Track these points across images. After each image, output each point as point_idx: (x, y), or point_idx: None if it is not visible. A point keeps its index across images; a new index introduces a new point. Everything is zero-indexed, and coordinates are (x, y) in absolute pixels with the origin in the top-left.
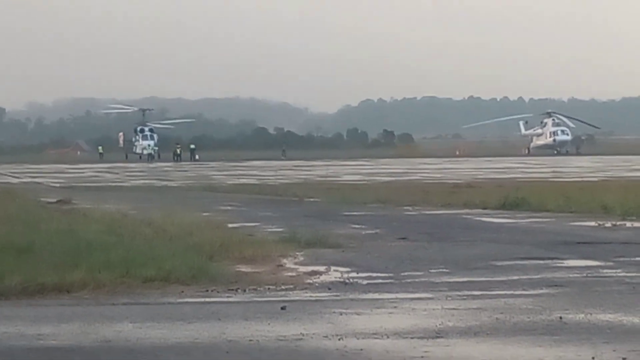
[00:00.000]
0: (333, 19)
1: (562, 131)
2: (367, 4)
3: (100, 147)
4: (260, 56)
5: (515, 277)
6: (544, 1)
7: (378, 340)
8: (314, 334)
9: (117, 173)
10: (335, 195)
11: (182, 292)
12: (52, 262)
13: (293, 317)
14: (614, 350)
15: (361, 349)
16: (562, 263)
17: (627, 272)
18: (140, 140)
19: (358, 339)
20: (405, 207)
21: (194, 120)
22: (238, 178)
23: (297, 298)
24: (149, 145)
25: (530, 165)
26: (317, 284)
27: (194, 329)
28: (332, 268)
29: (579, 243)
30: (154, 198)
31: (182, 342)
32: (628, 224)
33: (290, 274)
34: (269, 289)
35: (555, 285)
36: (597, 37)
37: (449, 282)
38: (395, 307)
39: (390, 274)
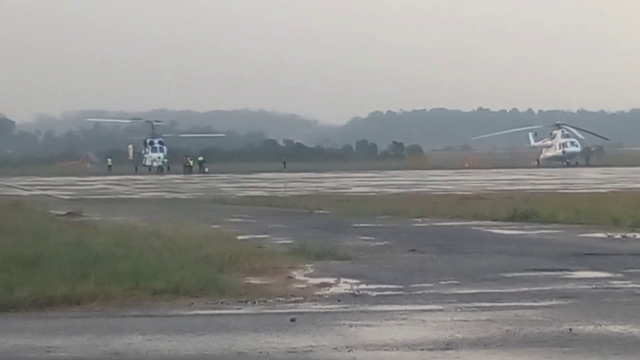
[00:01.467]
0: (342, 31)
1: (572, 143)
2: (376, 17)
3: (109, 160)
4: (269, 68)
5: (524, 289)
6: (553, 13)
7: (388, 352)
8: (323, 345)
9: (127, 185)
10: (344, 207)
11: (192, 304)
12: (62, 274)
13: (303, 329)
14: None
15: None
16: (571, 275)
17: (636, 284)
18: (150, 152)
19: (368, 350)
20: (414, 219)
21: (223, 135)
22: (247, 190)
23: (306, 310)
24: (158, 158)
25: (540, 177)
26: (326, 296)
27: (203, 341)
28: (342, 280)
29: (588, 255)
30: (164, 210)
31: (191, 355)
32: (638, 236)
33: (299, 285)
34: (278, 300)
35: (565, 297)
36: (606, 49)
37: (459, 294)
38: (404, 318)
39: (400, 286)
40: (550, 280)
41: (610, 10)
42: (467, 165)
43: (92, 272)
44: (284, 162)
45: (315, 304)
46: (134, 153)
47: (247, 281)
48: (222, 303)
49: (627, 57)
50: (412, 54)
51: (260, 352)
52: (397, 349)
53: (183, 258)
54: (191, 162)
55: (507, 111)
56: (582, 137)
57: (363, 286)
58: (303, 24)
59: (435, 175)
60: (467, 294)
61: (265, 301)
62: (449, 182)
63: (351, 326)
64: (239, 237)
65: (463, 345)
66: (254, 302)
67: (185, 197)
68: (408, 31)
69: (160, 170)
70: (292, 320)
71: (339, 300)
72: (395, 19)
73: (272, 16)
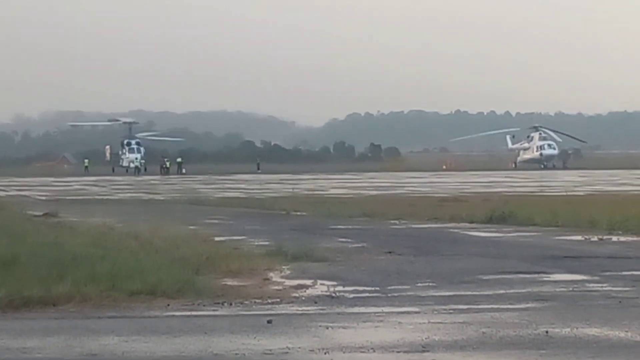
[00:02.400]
0: (320, 32)
1: (549, 145)
2: (354, 17)
3: (86, 161)
4: (247, 69)
5: (501, 291)
6: (531, 16)
7: (364, 354)
8: (300, 347)
9: (104, 186)
10: (321, 209)
11: (168, 305)
12: (38, 275)
13: (279, 331)
14: None
15: None
16: (548, 277)
17: (613, 287)
18: (127, 153)
19: (344, 352)
20: (391, 221)
21: (183, 139)
22: (225, 191)
23: (283, 312)
24: (135, 159)
25: (517, 179)
26: (303, 298)
27: (180, 343)
28: (319, 282)
29: (565, 257)
30: (141, 211)
31: (168, 356)
32: (614, 238)
33: (276, 287)
34: (255, 302)
35: (542, 300)
36: (584, 52)
37: (436, 296)
38: (381, 321)
39: (377, 288)
40: (527, 282)
41: (589, 13)
42: (444, 167)
43: (68, 273)
44: (258, 164)
45: (292, 306)
46: (111, 154)
47: (223, 283)
48: (198, 304)
49: (606, 60)
50: (390, 56)
51: (237, 354)
52: (374, 351)
53: (160, 259)
54: (168, 164)
55: (485, 113)
56: (560, 140)
57: (340, 288)
58: (281, 25)
59: (412, 177)
60: (443, 296)
61: (241, 303)
62: (426, 184)
63: (327, 328)
64: (216, 239)
65: (440, 348)
66: (231, 304)
67: (162, 198)
68: (386, 33)
69: (137, 171)
70: (269, 322)
71: (315, 302)
72: (373, 21)
73: (251, 17)
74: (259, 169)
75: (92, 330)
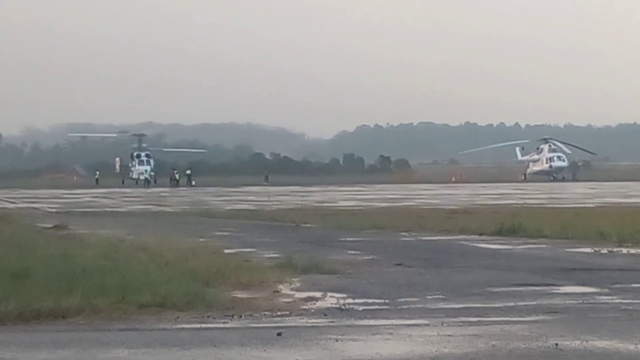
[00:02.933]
0: (330, 45)
1: (559, 157)
2: (362, 30)
3: (97, 173)
4: (256, 82)
5: (511, 304)
6: (541, 27)
7: None
8: None
9: (114, 198)
10: (331, 221)
11: (178, 318)
12: (48, 288)
13: (289, 343)
14: None
15: None
16: (558, 289)
17: (623, 299)
18: (137, 165)
19: None
20: (401, 233)
21: (205, 150)
22: (234, 203)
23: (293, 324)
24: (145, 171)
25: (527, 192)
26: (313, 310)
27: (190, 355)
28: (328, 294)
29: (575, 269)
30: (150, 223)
31: None
32: (624, 251)
33: (286, 300)
34: (265, 315)
35: (552, 312)
36: (594, 64)
37: (445, 309)
38: (391, 333)
39: (387, 300)
40: (536, 295)
41: (598, 25)
42: (454, 179)
43: (78, 286)
44: (266, 176)
45: (302, 318)
46: (120, 166)
47: (233, 295)
48: (208, 317)
49: (615, 72)
50: (400, 68)
51: None
52: None
53: (169, 271)
54: (177, 176)
55: (494, 125)
56: (569, 152)
57: (349, 300)
58: (291, 37)
59: (422, 190)
60: (453, 308)
61: (251, 315)
62: (436, 196)
63: (337, 340)
64: (226, 251)
65: None
66: (240, 316)
67: (172, 210)
68: (395, 45)
69: (147, 183)
70: (279, 334)
71: (325, 315)
72: (383, 33)
73: (260, 30)
74: (267, 180)
75: (102, 342)
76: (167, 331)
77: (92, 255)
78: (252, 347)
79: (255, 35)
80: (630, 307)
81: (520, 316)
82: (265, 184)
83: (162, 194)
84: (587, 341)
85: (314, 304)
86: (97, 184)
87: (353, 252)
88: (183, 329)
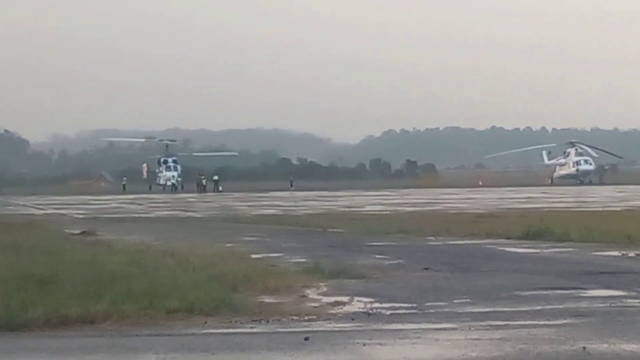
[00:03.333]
0: (355, 50)
1: (585, 161)
2: (389, 34)
3: (124, 179)
4: (283, 87)
5: (538, 307)
6: (566, 31)
7: None
8: None
9: (141, 204)
10: (358, 226)
11: (206, 323)
12: (76, 294)
13: (316, 348)
14: None
15: None
16: (585, 293)
17: None
18: (164, 171)
19: None
20: (428, 237)
21: (237, 154)
22: (261, 209)
23: (320, 329)
24: (172, 177)
25: (554, 195)
26: (340, 315)
27: None
28: (356, 298)
29: (602, 273)
30: (178, 229)
31: None
32: None
33: (313, 304)
34: (292, 319)
35: (579, 315)
36: (620, 67)
37: (472, 313)
38: (418, 337)
39: (414, 305)
40: (564, 298)
41: (624, 28)
42: (480, 183)
43: (106, 291)
44: (291, 181)
45: (329, 323)
46: (148, 172)
47: (260, 300)
48: (235, 322)
49: None
50: (426, 73)
51: None
52: None
53: (197, 277)
54: (204, 181)
55: (521, 129)
56: (596, 155)
57: (377, 305)
58: (316, 43)
59: (448, 194)
60: (480, 312)
61: (278, 320)
62: (462, 201)
63: (365, 345)
64: (253, 256)
65: None
66: (268, 321)
67: (199, 216)
68: (421, 50)
69: (174, 188)
70: (306, 339)
71: (352, 319)
72: (408, 37)
73: (286, 36)
74: (292, 186)
75: (129, 348)
76: (195, 336)
77: (119, 261)
78: (279, 351)
79: (283, 42)
80: None
81: (547, 320)
82: (292, 189)
83: (189, 199)
84: (614, 344)
85: (342, 308)
86: (124, 190)
87: (380, 256)
88: (211, 334)
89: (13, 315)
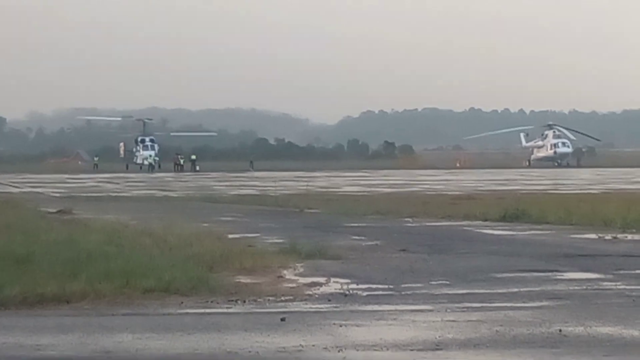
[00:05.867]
0: (334, 29)
1: (563, 143)
2: (368, 15)
3: (96, 158)
4: (260, 67)
5: (515, 290)
6: (545, 12)
7: (378, 352)
8: (313, 345)
9: (118, 183)
10: (335, 207)
11: (182, 303)
12: (52, 273)
13: (293, 329)
14: None
15: None
16: (562, 275)
17: (627, 285)
18: (141, 150)
19: (358, 350)
20: (405, 219)
21: (215, 134)
22: (239, 189)
23: (296, 309)
24: (150, 156)
25: (531, 178)
26: (317, 296)
27: (193, 340)
28: (332, 279)
29: (579, 255)
30: (155, 208)
31: (181, 354)
32: (628, 237)
33: (290, 285)
34: (268, 300)
35: (555, 298)
36: (598, 49)
37: (449, 294)
38: (395, 319)
39: (390, 286)
40: (540, 281)
41: (604, 9)
42: (458, 165)
43: (82, 271)
44: (251, 162)
45: (306, 304)
46: (125, 151)
47: (237, 280)
48: (212, 302)
49: (620, 58)
50: (404, 53)
51: (250, 352)
52: (387, 349)
53: (173, 257)
54: (182, 161)
55: (499, 111)
56: (574, 138)
57: (353, 286)
58: (295, 22)
59: (426, 175)
60: (457, 294)
61: (255, 300)
62: (440, 182)
63: (341, 326)
64: (230, 236)
65: (453, 346)
66: (244, 301)
67: (176, 195)
68: (400, 30)
69: (151, 168)
70: (282, 319)
71: (329, 300)
72: (387, 17)
73: (264, 14)
74: (252, 166)
75: (106, 327)
76: (171, 316)
77: (96, 240)
78: (255, 332)
79: (260, 21)
80: (634, 293)
81: (523, 302)
82: (251, 170)
83: (166, 179)
84: (590, 327)
85: (318, 289)
86: (95, 169)
87: (357, 237)
88: (187, 314)
89: None
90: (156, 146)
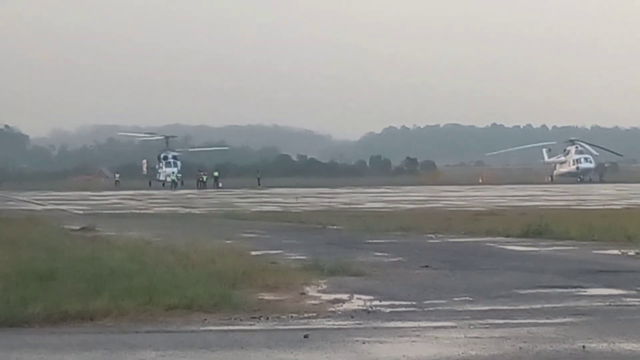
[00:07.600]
0: (356, 46)
1: (585, 159)
2: (389, 32)
3: (117, 175)
4: (283, 83)
5: (538, 306)
6: (567, 28)
7: None
8: None
9: (141, 200)
10: (358, 223)
11: (205, 320)
12: (75, 290)
13: (316, 346)
14: None
15: None
16: (585, 292)
17: None
18: (164, 167)
19: None
20: (428, 235)
21: (227, 148)
22: (261, 205)
23: (320, 326)
24: (172, 173)
25: (553, 193)
26: (340, 312)
27: (216, 357)
28: (355, 296)
29: (602, 271)
30: (177, 225)
31: None
32: None
33: (313, 302)
34: (291, 317)
35: (579, 314)
36: (621, 65)
37: (472, 311)
38: (418, 335)
39: (413, 302)
40: (563, 297)
41: (626, 26)
42: (480, 181)
43: (105, 288)
44: (259, 179)
45: (329, 320)
46: (147, 168)
47: (260, 297)
48: (235, 319)
49: None
50: (426, 70)
51: None
52: None
53: (196, 273)
54: (205, 178)
55: (521, 127)
56: (596, 153)
57: (376, 302)
58: (318, 39)
59: (448, 191)
60: (480, 310)
61: (278, 317)
62: (462, 198)
63: (364, 343)
64: (252, 253)
65: None
66: (267, 318)
67: (198, 212)
68: (422, 47)
69: (173, 185)
70: (305, 336)
71: (352, 317)
72: (409, 34)
73: (287, 32)
74: (259, 184)
75: (129, 344)
76: (194, 333)
77: (119, 257)
78: (279, 349)
79: (283, 38)
80: None
81: (547, 318)
82: (259, 186)
83: (189, 195)
84: (614, 343)
85: (341, 306)
86: (116, 186)
87: (380, 254)
88: (210, 331)
89: (13, 311)
90: (179, 163)
